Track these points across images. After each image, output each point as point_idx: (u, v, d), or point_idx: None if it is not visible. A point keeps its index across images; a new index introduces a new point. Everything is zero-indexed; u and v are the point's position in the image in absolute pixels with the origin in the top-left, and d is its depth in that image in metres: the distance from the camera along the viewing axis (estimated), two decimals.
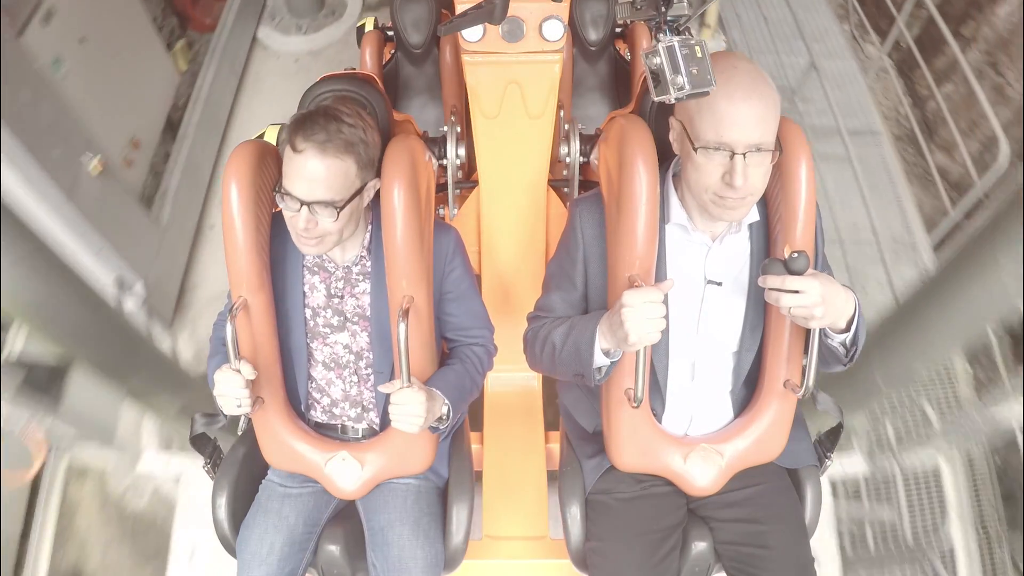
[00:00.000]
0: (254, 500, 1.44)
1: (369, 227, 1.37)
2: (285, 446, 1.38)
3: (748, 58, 1.13)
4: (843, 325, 1.15)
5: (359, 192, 1.24)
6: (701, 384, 1.35)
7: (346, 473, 1.39)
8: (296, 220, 1.19)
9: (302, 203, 1.17)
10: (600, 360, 1.22)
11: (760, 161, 1.11)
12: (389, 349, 1.37)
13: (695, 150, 1.12)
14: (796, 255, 1.05)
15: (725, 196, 1.12)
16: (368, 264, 1.37)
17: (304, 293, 1.37)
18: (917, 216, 4.04)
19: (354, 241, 1.36)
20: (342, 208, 1.20)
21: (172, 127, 3.52)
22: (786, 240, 1.22)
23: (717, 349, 1.33)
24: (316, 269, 1.38)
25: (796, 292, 1.05)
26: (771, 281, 1.07)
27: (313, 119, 1.17)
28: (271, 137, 1.68)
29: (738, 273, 1.28)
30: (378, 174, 1.29)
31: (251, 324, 1.29)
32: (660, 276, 1.25)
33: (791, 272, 1.06)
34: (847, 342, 1.21)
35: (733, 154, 1.09)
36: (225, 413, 1.32)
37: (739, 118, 1.07)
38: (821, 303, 1.06)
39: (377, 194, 1.30)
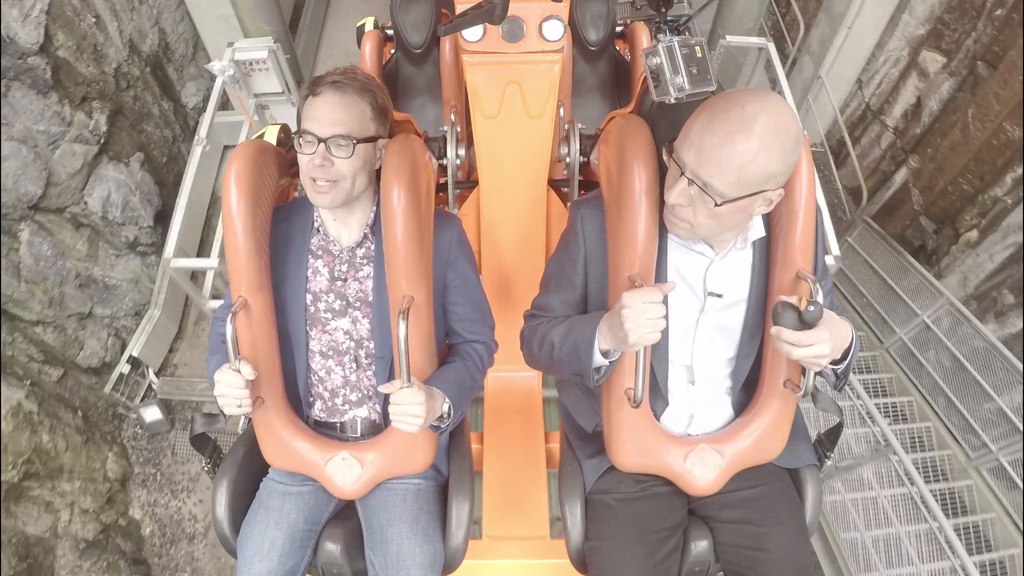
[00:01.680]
0: (255, 498, 1.44)
1: (374, 207, 1.38)
2: (285, 446, 1.38)
3: (775, 110, 1.02)
4: (839, 356, 1.16)
5: (373, 140, 1.30)
6: (700, 387, 1.35)
7: (346, 473, 1.39)
8: (311, 162, 1.24)
9: (320, 140, 1.23)
10: (599, 361, 1.22)
11: (704, 200, 1.07)
12: (389, 335, 1.37)
13: (671, 153, 1.12)
14: (812, 307, 1.05)
15: (667, 205, 1.14)
16: (372, 247, 1.38)
17: (307, 277, 1.38)
18: None
19: (359, 216, 1.37)
20: (357, 144, 1.26)
21: None
22: (786, 245, 1.22)
23: (715, 356, 1.33)
24: (320, 252, 1.39)
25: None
26: (785, 335, 1.07)
27: (329, 72, 1.29)
28: (271, 137, 1.68)
29: (739, 285, 1.28)
30: (390, 136, 1.36)
31: (251, 324, 1.29)
32: (660, 280, 1.25)
33: (805, 322, 1.06)
34: (840, 372, 1.22)
35: (682, 172, 1.08)
36: (225, 413, 1.33)
37: (701, 147, 1.04)
38: (829, 353, 1.09)
39: (379, 183, 1.30)
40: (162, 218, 5.21)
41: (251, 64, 4.17)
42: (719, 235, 1.19)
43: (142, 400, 4.96)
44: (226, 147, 5.55)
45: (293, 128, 1.36)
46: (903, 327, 5.03)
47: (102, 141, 4.58)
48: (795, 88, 5.79)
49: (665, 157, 1.13)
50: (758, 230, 1.25)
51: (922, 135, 4.95)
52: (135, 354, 4.90)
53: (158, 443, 5.03)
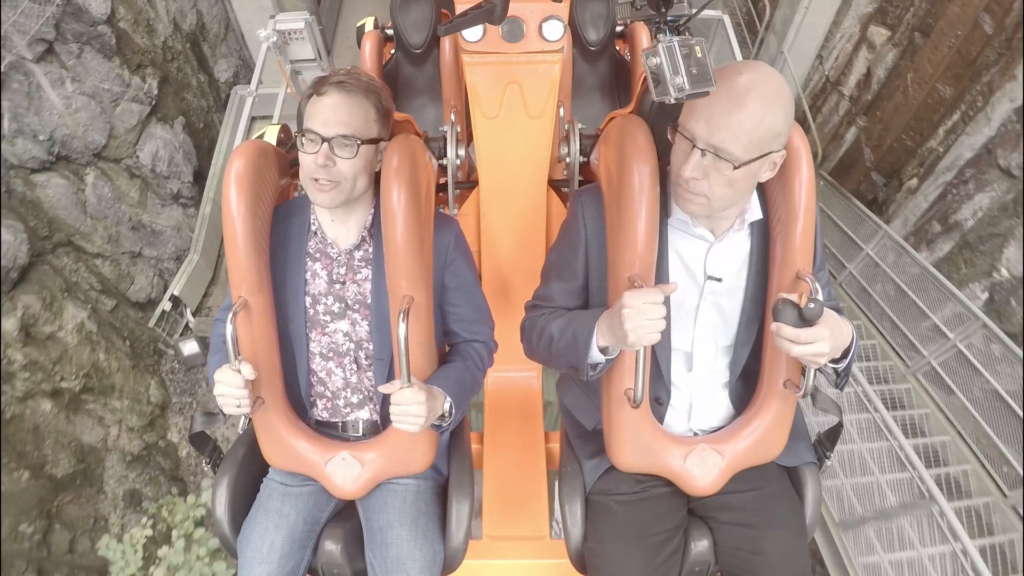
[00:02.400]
0: (255, 499, 1.44)
1: (372, 209, 1.38)
2: (285, 446, 1.38)
3: (768, 74, 1.09)
4: (839, 355, 1.17)
5: (375, 142, 1.30)
6: (699, 375, 1.36)
7: (346, 473, 1.39)
8: (314, 162, 1.23)
9: (323, 139, 1.23)
10: (596, 357, 1.23)
11: (720, 168, 1.10)
12: (389, 337, 1.37)
13: (676, 130, 1.14)
14: (812, 304, 1.06)
15: (679, 184, 1.15)
16: (370, 250, 1.38)
17: (305, 280, 1.38)
18: None
19: (357, 219, 1.37)
20: (362, 144, 1.25)
21: None
22: (785, 244, 1.22)
23: (713, 343, 1.34)
24: (318, 255, 1.39)
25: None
26: (785, 332, 1.08)
27: (333, 72, 1.28)
28: (271, 137, 1.68)
29: (738, 270, 1.29)
30: (390, 138, 1.35)
31: (251, 324, 1.29)
32: (660, 268, 1.26)
33: (805, 320, 1.07)
34: (840, 370, 1.22)
35: (694, 146, 1.10)
36: (225, 413, 1.33)
37: (711, 116, 1.08)
38: (829, 351, 1.09)
39: (378, 185, 1.30)
40: (199, 177, 6.12)
41: (290, 33, 4.86)
42: (732, 206, 1.21)
43: (180, 335, 5.65)
44: (254, 118, 5.89)
45: (293, 128, 1.37)
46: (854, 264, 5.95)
47: (153, 104, 5.45)
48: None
49: (670, 135, 1.16)
50: (755, 211, 1.26)
51: (872, 100, 5.70)
52: (176, 293, 5.60)
53: (194, 376, 5.73)
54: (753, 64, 1.10)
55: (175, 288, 5.68)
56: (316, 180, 1.25)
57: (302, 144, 1.25)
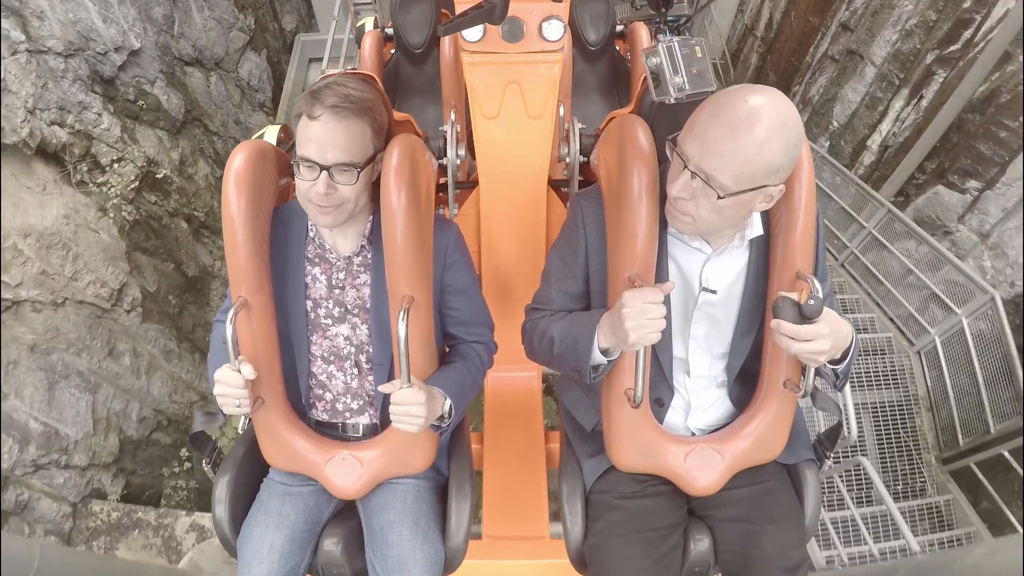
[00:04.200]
0: (256, 499, 1.44)
1: (371, 216, 1.38)
2: (285, 446, 1.38)
3: (779, 105, 1.03)
4: (839, 356, 1.16)
5: (372, 159, 1.27)
6: (696, 379, 1.37)
7: (346, 473, 1.39)
8: (314, 188, 1.20)
9: (322, 168, 1.19)
10: (597, 358, 1.23)
11: (707, 193, 1.08)
12: (389, 342, 1.37)
13: (674, 145, 1.13)
14: (812, 302, 1.06)
15: (669, 200, 1.14)
16: (369, 255, 1.38)
17: (305, 284, 1.37)
18: None
19: (356, 228, 1.36)
20: (361, 170, 1.22)
21: None
22: (786, 245, 1.22)
23: (708, 351, 1.34)
24: (317, 260, 1.38)
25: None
26: (785, 328, 1.08)
27: (324, 88, 1.21)
28: (271, 137, 1.68)
29: (733, 282, 1.29)
30: (385, 146, 1.32)
31: (251, 324, 1.29)
32: (659, 274, 1.26)
33: (805, 317, 1.07)
34: (839, 371, 1.22)
35: (684, 166, 1.08)
36: (225, 413, 1.32)
37: (705, 140, 1.05)
38: (829, 349, 1.09)
39: (378, 188, 1.30)
40: (275, 98, 8.24)
41: None
42: (720, 230, 1.19)
43: None
44: (312, 59, 8.36)
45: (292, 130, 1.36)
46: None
47: (251, 36, 7.54)
48: (696, 18, 8.38)
49: (668, 151, 1.14)
50: (756, 228, 1.25)
51: (773, 38, 7.75)
52: None
53: None
54: (766, 91, 1.04)
55: None
56: (318, 204, 1.23)
57: (299, 170, 1.21)
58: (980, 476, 4.34)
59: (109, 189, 4.68)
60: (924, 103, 5.12)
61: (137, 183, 5.00)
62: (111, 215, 4.65)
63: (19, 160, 3.98)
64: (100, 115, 4.72)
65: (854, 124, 6.08)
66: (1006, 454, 4.27)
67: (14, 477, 3.73)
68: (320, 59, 5.72)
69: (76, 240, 4.28)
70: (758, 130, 1.01)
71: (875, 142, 5.81)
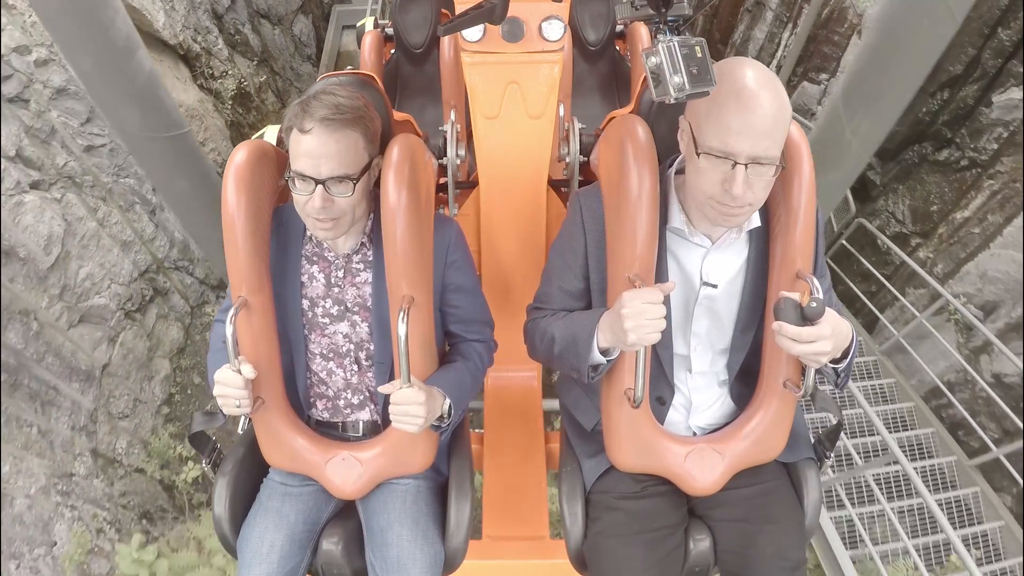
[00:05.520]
0: (255, 499, 1.44)
1: (371, 215, 1.37)
2: (285, 446, 1.38)
3: (761, 65, 1.10)
4: (839, 355, 1.17)
5: (368, 167, 1.26)
6: (697, 376, 1.37)
7: (346, 473, 1.39)
8: (311, 202, 1.19)
9: (317, 182, 1.18)
10: (597, 358, 1.23)
11: (762, 173, 1.10)
12: (389, 339, 1.36)
13: (698, 154, 1.12)
14: (814, 303, 1.05)
15: (724, 203, 1.13)
16: (369, 253, 1.37)
17: (302, 283, 1.37)
18: None
19: (356, 227, 1.35)
20: (357, 181, 1.21)
21: None
22: (785, 244, 1.22)
23: (709, 347, 1.34)
24: (315, 259, 1.38)
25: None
26: (787, 330, 1.08)
27: (314, 99, 1.19)
28: (271, 137, 1.68)
29: (734, 276, 1.29)
30: (381, 152, 1.31)
31: (251, 324, 1.28)
32: (659, 272, 1.26)
33: (806, 318, 1.07)
34: (840, 370, 1.22)
35: (735, 163, 1.08)
36: (225, 413, 1.32)
37: (745, 129, 1.06)
38: (830, 350, 1.09)
39: (377, 188, 1.30)
40: (317, 55, 9.82)
41: None
42: (759, 206, 1.20)
43: None
44: (345, 26, 10.01)
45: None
46: None
47: (303, 1, 9.20)
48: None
49: (700, 157, 1.12)
50: (754, 220, 1.26)
51: (715, 10, 8.92)
52: None
53: None
54: (736, 60, 1.10)
55: None
56: (316, 219, 1.22)
57: (294, 184, 1.20)
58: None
59: (220, 94, 6.61)
60: (798, 30, 6.95)
61: (234, 94, 6.88)
62: (221, 113, 6.44)
63: (172, 58, 5.88)
64: (217, 38, 6.69)
65: (762, 56, 7.90)
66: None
67: (163, 268, 5.14)
68: (352, 26, 7.32)
69: (204, 118, 6.04)
70: (770, 91, 1.07)
71: (773, 66, 7.60)
